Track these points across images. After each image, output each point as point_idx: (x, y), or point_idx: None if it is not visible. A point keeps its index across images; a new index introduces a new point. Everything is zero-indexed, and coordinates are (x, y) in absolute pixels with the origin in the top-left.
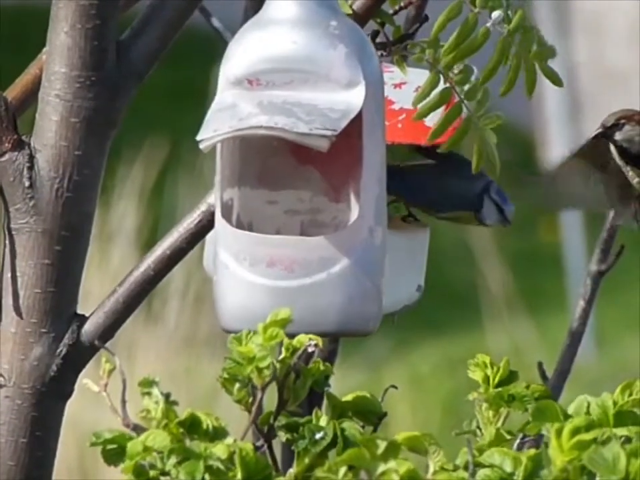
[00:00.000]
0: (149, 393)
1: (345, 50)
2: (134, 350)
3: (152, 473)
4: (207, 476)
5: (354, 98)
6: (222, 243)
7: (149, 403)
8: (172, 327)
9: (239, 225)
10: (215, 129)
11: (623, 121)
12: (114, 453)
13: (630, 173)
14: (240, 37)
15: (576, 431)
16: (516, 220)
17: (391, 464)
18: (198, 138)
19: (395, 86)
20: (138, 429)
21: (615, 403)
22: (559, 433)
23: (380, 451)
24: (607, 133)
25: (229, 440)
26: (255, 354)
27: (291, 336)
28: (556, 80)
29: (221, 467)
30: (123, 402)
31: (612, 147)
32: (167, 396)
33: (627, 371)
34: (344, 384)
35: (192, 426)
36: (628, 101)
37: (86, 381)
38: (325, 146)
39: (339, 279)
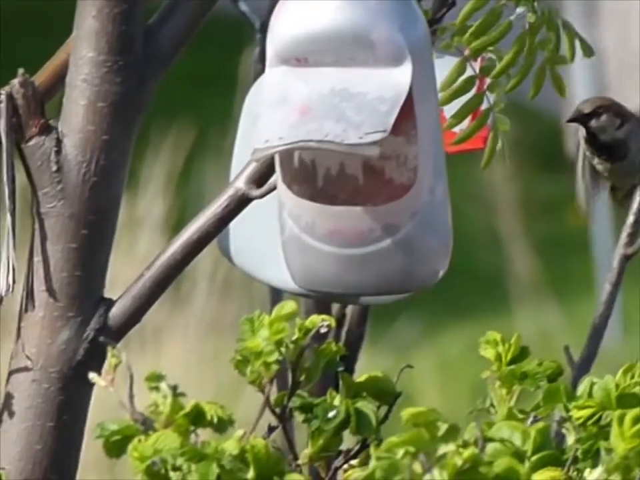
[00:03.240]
0: (156, 388)
1: (389, 25)
2: (162, 334)
3: (163, 470)
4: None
5: (401, 77)
6: (286, 208)
7: (157, 397)
8: (200, 311)
9: (301, 164)
10: (266, 138)
11: (600, 110)
12: (116, 445)
13: (595, 161)
14: (282, 11)
15: (638, 419)
16: (543, 204)
17: (451, 446)
18: (254, 148)
19: None
20: (147, 423)
21: (617, 386)
22: (621, 420)
23: (440, 432)
24: (582, 119)
25: (238, 432)
26: (262, 349)
27: (356, 298)
28: (561, 89)
29: (233, 465)
30: (131, 396)
31: (582, 134)
32: (174, 389)
33: None
34: (372, 368)
35: (197, 417)
36: None
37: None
38: (375, 154)
39: (404, 243)
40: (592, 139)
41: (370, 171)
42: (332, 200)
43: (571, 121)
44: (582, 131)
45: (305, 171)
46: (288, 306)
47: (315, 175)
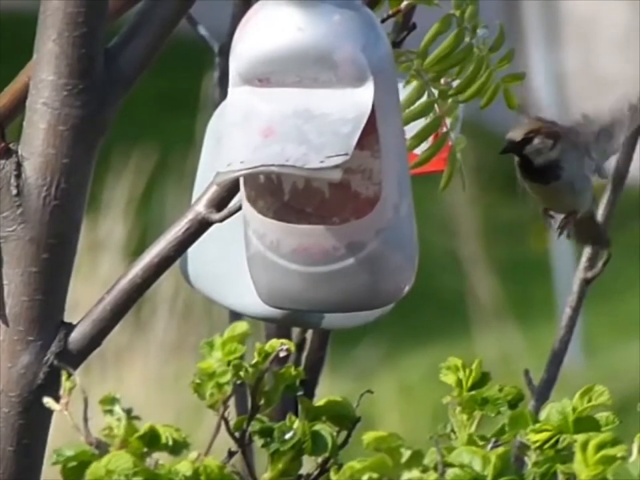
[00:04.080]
0: (110, 411)
1: (351, 45)
2: (123, 357)
3: None
4: None
5: (363, 97)
6: (250, 226)
7: (111, 421)
8: (161, 334)
9: (267, 179)
10: (228, 162)
11: (531, 135)
12: (73, 471)
13: (528, 186)
14: (244, 31)
15: (601, 446)
16: (504, 228)
17: (415, 473)
18: (217, 171)
19: None
20: (101, 446)
21: (574, 409)
22: (584, 446)
23: (404, 459)
24: (515, 148)
25: (192, 454)
26: (215, 370)
27: (318, 322)
28: (513, 103)
29: None
30: (85, 420)
31: (516, 161)
32: (128, 412)
33: (614, 378)
34: (332, 392)
35: (152, 440)
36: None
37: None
38: (337, 177)
39: (369, 260)
40: (527, 164)
41: (336, 184)
42: (298, 214)
43: (504, 151)
44: (516, 159)
45: (271, 186)
46: (239, 327)
47: (281, 189)
